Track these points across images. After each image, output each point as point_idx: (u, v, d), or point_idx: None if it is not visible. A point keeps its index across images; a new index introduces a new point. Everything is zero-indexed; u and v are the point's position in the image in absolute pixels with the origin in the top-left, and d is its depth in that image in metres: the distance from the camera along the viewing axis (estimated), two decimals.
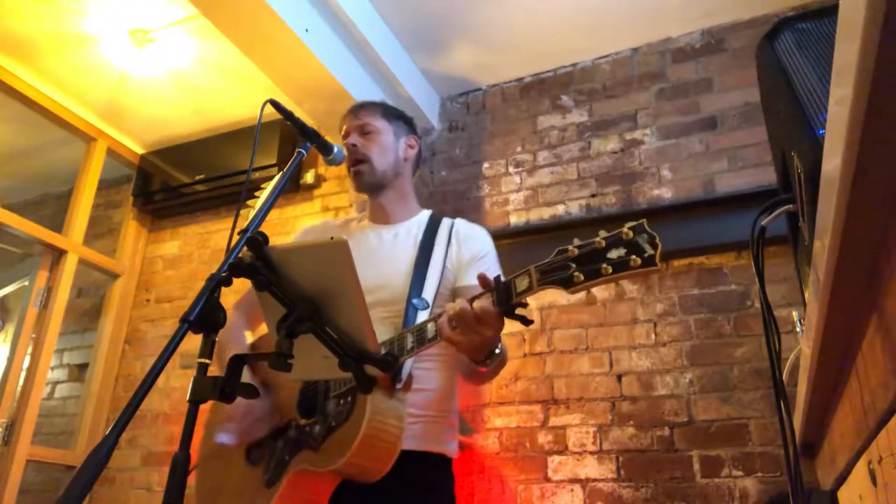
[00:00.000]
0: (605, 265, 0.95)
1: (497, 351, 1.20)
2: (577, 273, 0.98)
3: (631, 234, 0.95)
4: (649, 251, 0.93)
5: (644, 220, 0.95)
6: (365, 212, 1.66)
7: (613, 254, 0.95)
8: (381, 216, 1.59)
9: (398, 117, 1.64)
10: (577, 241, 1.00)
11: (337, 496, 1.27)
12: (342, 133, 1.60)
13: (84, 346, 3.55)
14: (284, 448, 1.30)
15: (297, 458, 1.25)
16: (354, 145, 1.53)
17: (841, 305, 0.82)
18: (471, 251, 1.49)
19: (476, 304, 1.08)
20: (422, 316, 1.35)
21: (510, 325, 1.12)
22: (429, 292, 1.39)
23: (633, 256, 0.94)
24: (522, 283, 1.04)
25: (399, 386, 1.23)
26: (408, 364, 1.25)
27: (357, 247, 1.53)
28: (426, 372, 1.37)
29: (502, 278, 1.08)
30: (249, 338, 1.54)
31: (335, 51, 2.69)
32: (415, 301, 1.36)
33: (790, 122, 0.95)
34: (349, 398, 1.23)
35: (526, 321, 1.07)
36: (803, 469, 1.83)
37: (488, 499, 2.43)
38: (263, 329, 1.52)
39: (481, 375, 1.35)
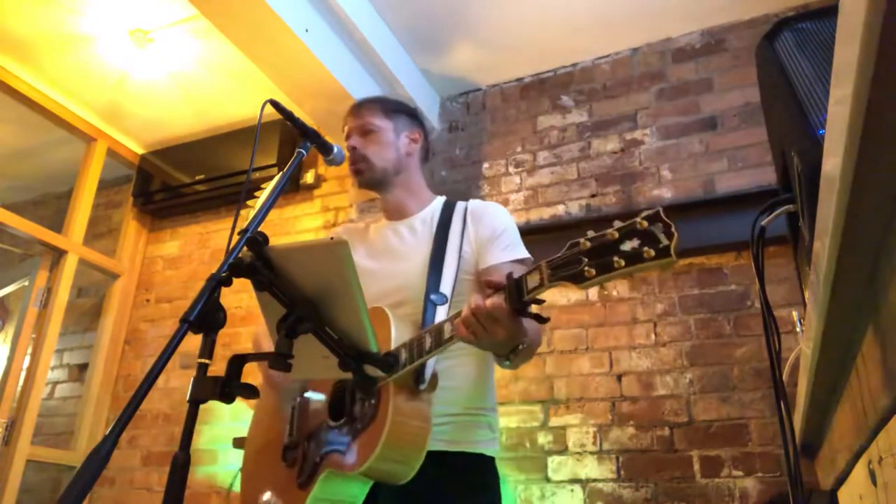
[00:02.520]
0: (617, 258, 0.90)
1: (521, 346, 1.16)
2: (588, 268, 0.93)
3: (646, 223, 0.88)
4: (664, 242, 0.87)
5: (661, 208, 0.89)
6: (379, 212, 1.66)
7: (627, 245, 0.89)
8: (394, 212, 1.59)
9: (398, 111, 1.62)
10: (590, 234, 0.94)
11: (371, 498, 1.27)
12: (344, 134, 1.60)
13: (84, 346, 3.55)
14: (316, 450, 1.30)
15: (326, 461, 1.26)
16: (354, 147, 1.54)
17: (841, 305, 0.82)
18: (488, 229, 1.44)
19: (489, 301, 1.06)
20: (440, 311, 1.31)
21: None
22: (446, 285, 1.35)
23: (647, 248, 0.87)
24: (534, 280, 1.01)
25: (423, 387, 1.21)
26: (430, 363, 1.23)
27: (376, 246, 1.54)
28: (452, 368, 1.33)
29: (514, 276, 1.05)
30: None
31: (335, 51, 2.69)
32: (433, 297, 1.33)
33: (790, 122, 0.95)
34: (373, 400, 1.21)
35: (541, 319, 1.04)
36: (803, 469, 1.83)
37: None
38: None
39: (508, 367, 1.31)
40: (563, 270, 0.96)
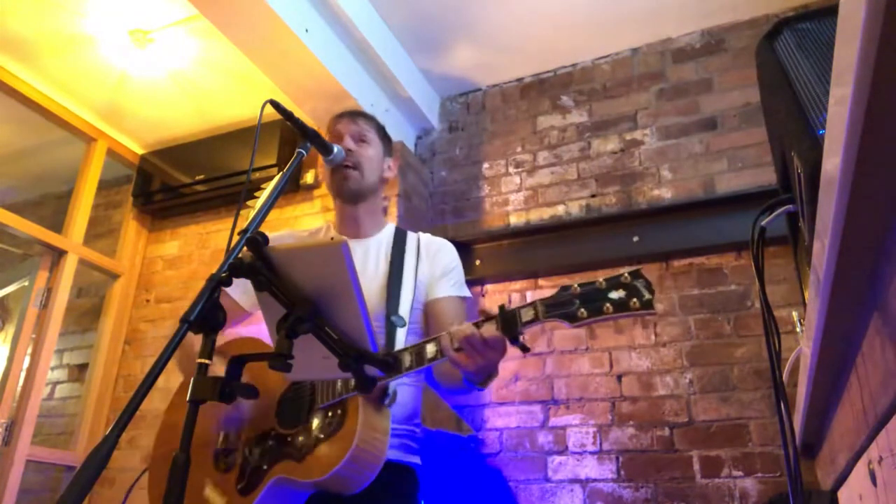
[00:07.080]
0: (607, 304, 1.05)
1: (495, 373, 1.26)
2: (581, 309, 1.07)
3: (629, 278, 1.06)
4: (647, 296, 1.04)
5: (640, 267, 1.07)
6: (328, 223, 1.66)
7: (614, 294, 1.06)
8: (351, 229, 1.59)
9: (387, 138, 1.67)
10: (579, 281, 1.10)
11: None
12: (332, 133, 1.59)
13: (84, 346, 3.55)
14: (262, 457, 1.31)
15: (276, 468, 1.27)
16: (350, 150, 1.53)
17: (841, 305, 0.82)
18: (441, 265, 1.55)
19: (483, 328, 1.14)
20: (400, 333, 1.40)
21: None
22: (404, 309, 1.44)
23: (634, 299, 1.04)
24: (528, 314, 1.12)
25: (387, 402, 1.28)
26: (393, 381, 1.28)
27: None
28: (400, 388, 1.39)
29: (506, 308, 1.14)
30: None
31: (335, 51, 2.69)
32: (393, 318, 1.41)
33: (790, 122, 0.95)
34: (339, 411, 1.26)
35: (525, 349, 1.14)
36: (803, 469, 1.84)
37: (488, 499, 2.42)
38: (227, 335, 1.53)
39: (470, 393, 1.39)
40: (557, 309, 1.10)
